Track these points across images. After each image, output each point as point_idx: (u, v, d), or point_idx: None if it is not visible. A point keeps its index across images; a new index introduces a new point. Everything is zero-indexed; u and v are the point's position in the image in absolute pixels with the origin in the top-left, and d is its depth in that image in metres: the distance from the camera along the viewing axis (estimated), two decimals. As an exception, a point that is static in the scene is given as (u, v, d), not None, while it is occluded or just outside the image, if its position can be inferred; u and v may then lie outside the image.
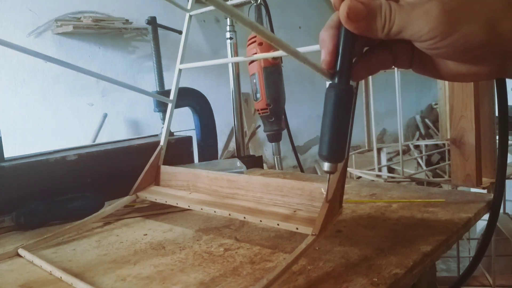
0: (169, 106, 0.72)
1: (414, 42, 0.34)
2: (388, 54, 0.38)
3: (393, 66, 0.40)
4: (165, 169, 0.70)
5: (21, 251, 0.54)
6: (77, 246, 0.57)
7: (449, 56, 0.34)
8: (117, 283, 0.45)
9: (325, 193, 0.45)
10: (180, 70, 0.71)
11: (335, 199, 0.45)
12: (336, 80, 0.37)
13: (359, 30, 0.34)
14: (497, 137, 0.56)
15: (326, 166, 0.39)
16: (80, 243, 0.58)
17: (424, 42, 0.33)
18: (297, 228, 0.46)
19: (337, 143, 0.37)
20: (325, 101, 0.37)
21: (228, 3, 0.53)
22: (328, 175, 0.43)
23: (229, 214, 0.54)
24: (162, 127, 0.76)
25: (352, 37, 0.36)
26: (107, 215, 0.65)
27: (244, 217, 0.52)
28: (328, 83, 0.38)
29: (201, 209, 0.58)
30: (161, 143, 0.71)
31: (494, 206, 0.59)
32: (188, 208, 0.60)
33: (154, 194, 0.66)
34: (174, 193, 0.66)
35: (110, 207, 0.66)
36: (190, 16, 0.71)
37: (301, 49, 0.49)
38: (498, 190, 0.58)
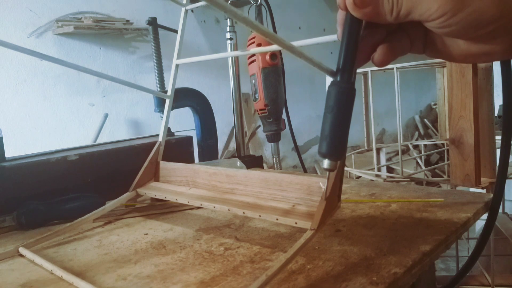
0: (167, 101, 0.72)
1: (425, 23, 0.33)
2: (406, 39, 0.37)
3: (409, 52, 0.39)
4: (164, 165, 0.70)
5: (21, 250, 0.55)
6: (78, 245, 0.57)
7: (460, 34, 0.33)
8: (118, 282, 0.45)
9: (323, 187, 0.45)
10: (177, 66, 0.71)
11: (334, 193, 0.45)
12: (338, 77, 0.36)
13: (367, 16, 0.34)
14: (500, 135, 0.55)
15: (326, 163, 0.38)
16: (81, 242, 0.59)
17: (434, 21, 0.32)
18: (296, 223, 0.46)
19: (338, 141, 0.37)
20: (326, 98, 0.37)
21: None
22: (328, 173, 0.43)
23: (229, 210, 0.54)
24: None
25: (356, 33, 0.35)
26: (107, 212, 0.66)
27: (244, 212, 0.52)
28: (327, 78, 0.38)
29: (201, 204, 0.58)
30: (160, 139, 0.72)
31: (493, 205, 0.59)
32: (188, 203, 0.60)
33: (154, 190, 0.67)
34: (174, 189, 0.66)
35: (111, 203, 0.66)
36: (186, 11, 0.72)
37: (296, 43, 0.49)
38: (498, 189, 0.58)
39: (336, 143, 0.37)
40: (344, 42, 0.36)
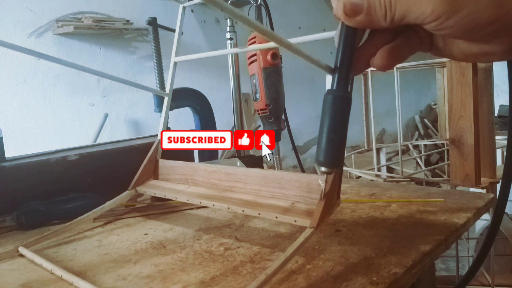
0: (165, 99, 0.72)
1: (421, 25, 0.33)
2: (416, 37, 0.36)
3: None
4: (163, 163, 0.70)
5: (21, 249, 0.55)
6: (78, 245, 0.57)
7: (458, 35, 0.32)
8: (118, 282, 0.45)
9: (322, 185, 0.45)
10: (175, 63, 0.71)
11: (333, 191, 0.45)
12: (334, 86, 0.36)
13: (360, 24, 0.33)
14: (500, 135, 0.55)
15: (323, 168, 0.38)
16: (81, 242, 0.59)
17: (429, 24, 0.31)
18: (295, 221, 0.46)
19: (334, 150, 0.36)
20: (322, 107, 0.37)
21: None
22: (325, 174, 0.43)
23: (228, 208, 0.54)
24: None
25: (351, 40, 0.35)
26: (107, 211, 0.66)
27: (243, 210, 0.52)
28: (327, 78, 0.37)
29: (200, 202, 0.58)
30: (159, 137, 0.72)
31: (498, 207, 0.58)
32: (187, 201, 0.60)
33: (153, 188, 0.67)
34: (173, 187, 0.66)
35: (110, 202, 0.66)
36: (184, 8, 0.72)
37: (294, 40, 0.49)
38: (504, 191, 0.57)
39: (332, 152, 0.36)
40: (339, 51, 0.35)
